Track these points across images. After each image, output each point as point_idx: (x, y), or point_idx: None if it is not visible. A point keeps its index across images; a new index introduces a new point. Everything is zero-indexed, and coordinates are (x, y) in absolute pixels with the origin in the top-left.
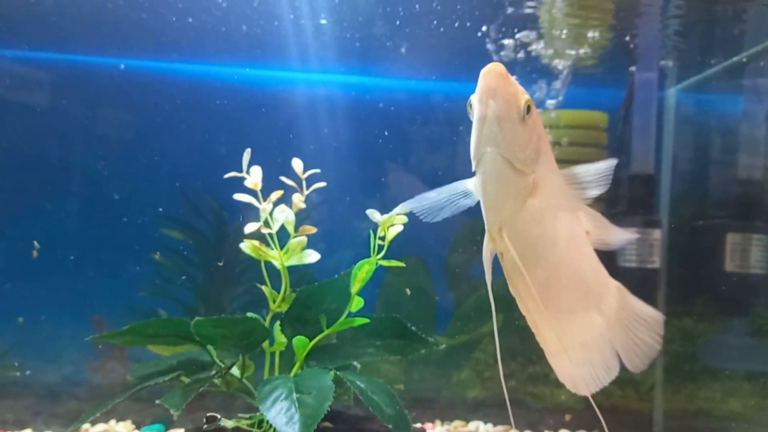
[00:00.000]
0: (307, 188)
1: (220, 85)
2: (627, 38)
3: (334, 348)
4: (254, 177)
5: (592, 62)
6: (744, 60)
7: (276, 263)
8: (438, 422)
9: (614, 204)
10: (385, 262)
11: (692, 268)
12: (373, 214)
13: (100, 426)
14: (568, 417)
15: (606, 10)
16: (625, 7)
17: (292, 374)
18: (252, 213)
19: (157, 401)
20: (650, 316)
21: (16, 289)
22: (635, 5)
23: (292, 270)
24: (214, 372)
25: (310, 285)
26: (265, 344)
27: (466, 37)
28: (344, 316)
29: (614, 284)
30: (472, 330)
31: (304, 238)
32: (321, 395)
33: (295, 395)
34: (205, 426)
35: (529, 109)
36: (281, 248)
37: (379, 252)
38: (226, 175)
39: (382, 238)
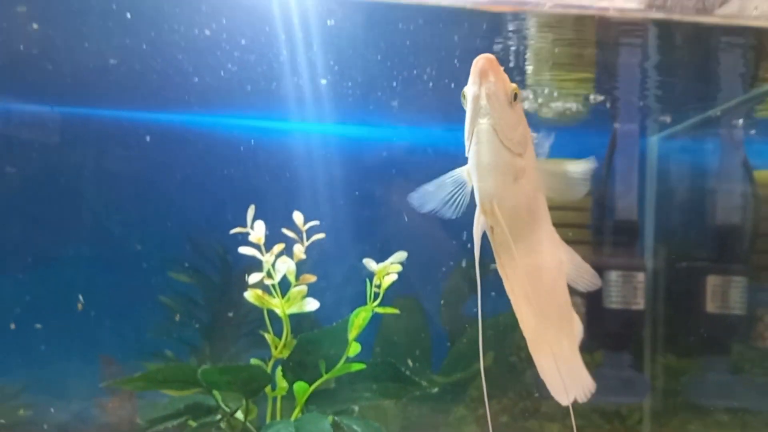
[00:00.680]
0: (307, 239)
1: (225, 137)
2: (610, 89)
3: (333, 392)
4: (258, 232)
5: (577, 113)
6: (718, 114)
7: (278, 311)
8: None
9: (600, 248)
10: (380, 309)
11: (675, 309)
12: (370, 264)
13: None
14: None
15: (590, 62)
16: (607, 61)
17: (292, 419)
18: (256, 259)
19: None
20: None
21: (30, 332)
22: (617, 59)
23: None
24: (219, 416)
25: (309, 332)
26: (268, 389)
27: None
28: (342, 361)
29: (576, 322)
30: (467, 367)
31: (305, 287)
32: None
33: None
34: None
35: (516, 96)
36: (283, 296)
37: (375, 299)
38: (232, 231)
39: (378, 286)
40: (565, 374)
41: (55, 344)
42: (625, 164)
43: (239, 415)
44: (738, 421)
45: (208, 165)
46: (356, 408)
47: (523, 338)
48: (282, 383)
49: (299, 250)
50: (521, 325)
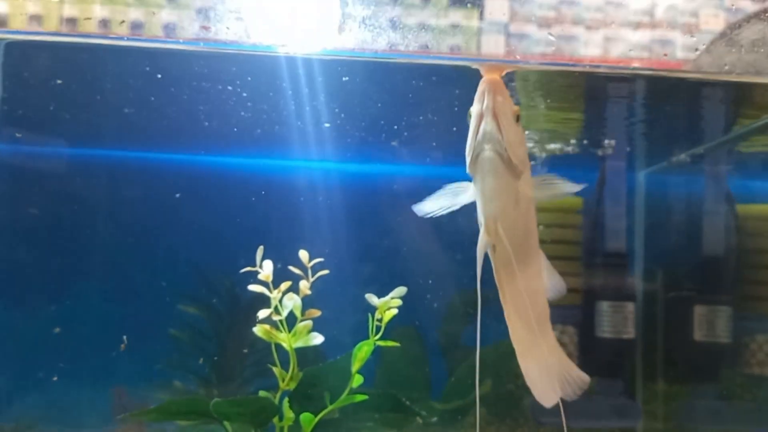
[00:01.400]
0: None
1: (232, 175)
2: (598, 127)
3: (338, 422)
4: (266, 270)
5: (565, 150)
6: (702, 151)
7: (285, 345)
8: None
9: (591, 279)
10: (382, 343)
11: (664, 338)
12: (371, 299)
13: None
14: None
15: (578, 100)
16: (594, 95)
17: None
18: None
19: None
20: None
21: (44, 363)
22: (604, 102)
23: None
24: None
25: (315, 366)
26: (276, 419)
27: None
28: (346, 392)
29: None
30: (466, 395)
31: (310, 322)
32: None
33: None
34: None
35: (518, 118)
36: (288, 329)
37: (377, 333)
38: (242, 270)
39: (380, 320)
40: (555, 378)
41: (68, 376)
42: (613, 198)
43: None
44: None
45: (217, 203)
46: None
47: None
48: (289, 414)
49: (305, 286)
50: (512, 336)
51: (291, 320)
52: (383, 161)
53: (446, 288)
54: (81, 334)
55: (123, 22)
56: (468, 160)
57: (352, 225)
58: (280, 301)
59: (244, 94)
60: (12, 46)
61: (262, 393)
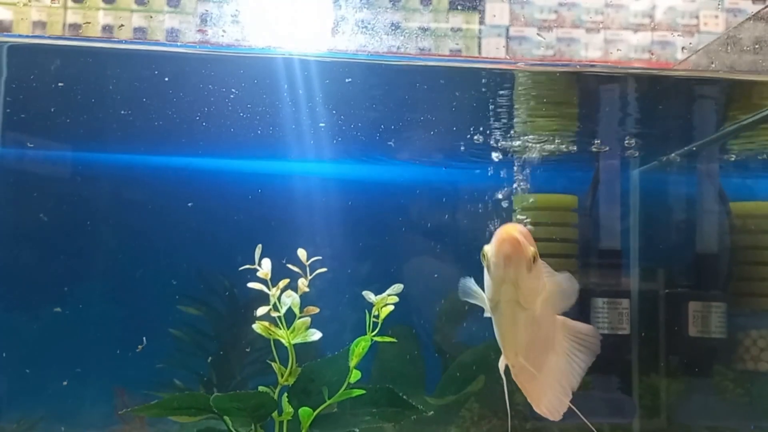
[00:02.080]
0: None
1: (232, 176)
2: (592, 127)
3: (336, 417)
4: (265, 269)
5: (561, 150)
6: (694, 149)
7: (284, 341)
8: None
9: (586, 276)
10: (378, 338)
11: (659, 334)
12: (369, 296)
13: None
14: None
15: (572, 103)
16: (588, 100)
17: None
18: (261, 292)
19: None
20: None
21: (47, 364)
22: (597, 102)
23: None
24: None
25: (313, 362)
26: (275, 414)
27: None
28: (344, 387)
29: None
30: (458, 390)
31: (308, 319)
32: None
33: None
34: None
35: (535, 259)
36: (287, 326)
37: (374, 329)
38: (241, 268)
39: (377, 317)
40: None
41: (70, 376)
42: (608, 196)
43: None
44: None
45: (216, 204)
46: (357, 431)
47: None
48: (288, 408)
49: (303, 283)
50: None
51: (290, 319)
52: (383, 161)
53: (441, 288)
54: (82, 334)
55: (122, 26)
56: (490, 305)
57: (350, 225)
58: (279, 298)
59: (244, 96)
60: (16, 50)
61: (261, 388)
